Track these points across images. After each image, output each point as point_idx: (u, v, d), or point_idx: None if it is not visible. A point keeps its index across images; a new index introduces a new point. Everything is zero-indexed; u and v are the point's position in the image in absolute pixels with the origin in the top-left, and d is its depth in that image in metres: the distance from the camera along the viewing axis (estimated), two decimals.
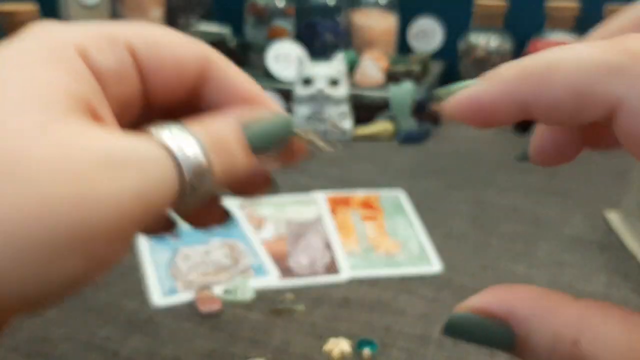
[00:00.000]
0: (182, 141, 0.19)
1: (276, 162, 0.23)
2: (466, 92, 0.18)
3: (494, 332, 0.19)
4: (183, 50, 0.21)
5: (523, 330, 0.18)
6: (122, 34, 0.20)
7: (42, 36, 0.19)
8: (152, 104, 0.22)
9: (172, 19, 0.93)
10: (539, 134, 0.22)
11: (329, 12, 0.89)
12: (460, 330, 0.19)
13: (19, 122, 0.16)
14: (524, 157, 0.24)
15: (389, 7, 0.91)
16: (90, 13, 0.78)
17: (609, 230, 0.50)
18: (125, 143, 0.17)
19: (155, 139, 0.18)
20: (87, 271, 0.16)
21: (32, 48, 0.18)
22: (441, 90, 0.19)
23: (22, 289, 0.16)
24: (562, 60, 0.16)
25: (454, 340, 0.36)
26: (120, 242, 0.17)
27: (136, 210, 0.17)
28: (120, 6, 0.88)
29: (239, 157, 0.20)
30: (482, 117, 0.18)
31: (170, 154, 0.18)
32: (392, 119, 0.75)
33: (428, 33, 0.97)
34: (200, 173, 0.19)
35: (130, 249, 0.16)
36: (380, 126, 0.74)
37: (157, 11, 0.89)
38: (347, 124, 0.73)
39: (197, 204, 0.19)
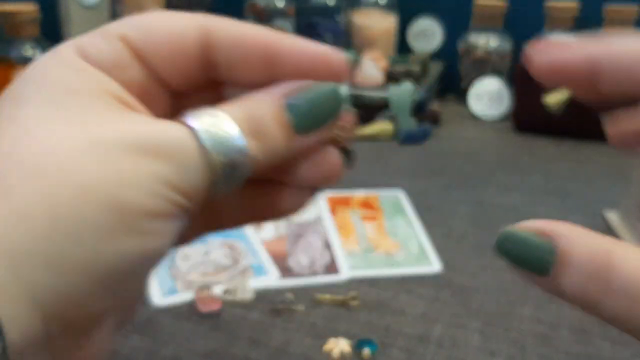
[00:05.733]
0: (216, 126, 0.18)
1: (327, 141, 0.22)
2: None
3: (537, 244, 0.20)
4: (174, 23, 0.21)
5: (566, 243, 0.20)
6: (113, 27, 0.20)
7: (50, 54, 0.20)
8: (176, 91, 0.21)
9: None
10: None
11: (329, 12, 0.89)
12: (508, 242, 0.20)
13: (46, 120, 0.17)
14: None
15: (388, 7, 0.91)
16: (90, 13, 0.78)
17: (609, 230, 0.50)
18: (153, 129, 0.18)
19: (186, 126, 0.18)
20: (142, 251, 0.17)
21: (46, 64, 0.19)
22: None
23: (92, 276, 0.16)
24: None
25: (453, 340, 0.36)
26: (162, 222, 0.18)
27: (168, 193, 0.17)
28: (120, 6, 0.88)
29: (279, 139, 0.20)
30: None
31: (199, 141, 0.18)
32: (392, 119, 0.74)
33: (428, 33, 0.97)
34: (235, 159, 0.19)
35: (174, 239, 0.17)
36: (380, 126, 0.73)
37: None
38: None
39: (233, 188, 0.19)
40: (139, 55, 0.20)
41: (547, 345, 0.36)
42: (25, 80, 0.19)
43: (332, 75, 0.21)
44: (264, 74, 0.21)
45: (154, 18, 0.21)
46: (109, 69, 0.20)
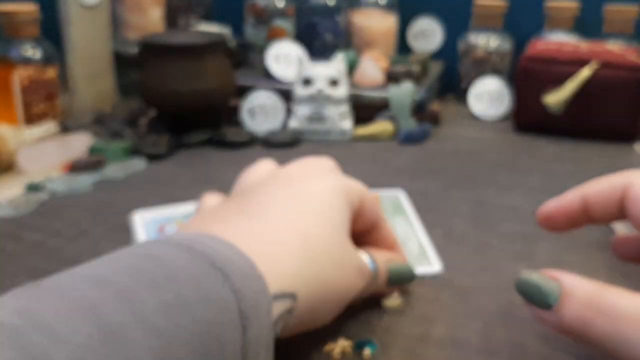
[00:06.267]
0: (372, 267, 0.36)
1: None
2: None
3: (547, 282, 0.30)
4: (374, 207, 0.37)
5: (569, 282, 0.29)
6: (360, 191, 0.36)
7: (336, 185, 0.34)
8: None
9: (172, 19, 0.93)
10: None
11: (329, 12, 0.89)
12: (524, 283, 0.31)
13: (330, 238, 0.32)
14: None
15: (388, 7, 0.91)
16: (90, 13, 0.78)
17: (609, 230, 0.50)
18: (362, 261, 0.34)
19: (367, 260, 0.35)
20: (342, 306, 0.34)
21: (329, 186, 0.34)
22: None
23: (324, 321, 0.33)
24: None
25: (454, 341, 0.36)
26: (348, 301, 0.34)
27: (357, 292, 0.34)
28: (120, 6, 0.87)
29: (381, 282, 0.37)
30: None
31: (373, 270, 0.35)
32: (392, 119, 0.75)
33: (428, 33, 0.97)
34: (373, 282, 0.36)
35: None
36: (380, 126, 0.74)
37: (157, 11, 0.89)
38: (347, 124, 0.73)
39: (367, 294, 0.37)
40: (359, 212, 0.36)
41: (547, 346, 0.36)
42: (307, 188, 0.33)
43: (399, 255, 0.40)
44: (369, 230, 0.38)
45: (370, 196, 0.37)
46: (355, 211, 0.35)
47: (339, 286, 0.31)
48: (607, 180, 0.35)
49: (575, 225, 0.36)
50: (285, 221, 0.30)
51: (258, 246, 0.27)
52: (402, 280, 0.38)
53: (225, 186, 0.46)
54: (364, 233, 0.37)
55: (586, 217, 0.36)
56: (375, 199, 0.37)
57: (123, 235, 0.49)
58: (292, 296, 0.27)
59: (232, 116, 0.76)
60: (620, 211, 0.34)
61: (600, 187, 0.35)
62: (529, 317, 0.38)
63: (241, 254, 0.25)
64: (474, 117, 0.83)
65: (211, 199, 0.38)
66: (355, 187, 0.36)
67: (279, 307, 0.26)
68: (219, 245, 0.25)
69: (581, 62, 0.71)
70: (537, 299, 0.30)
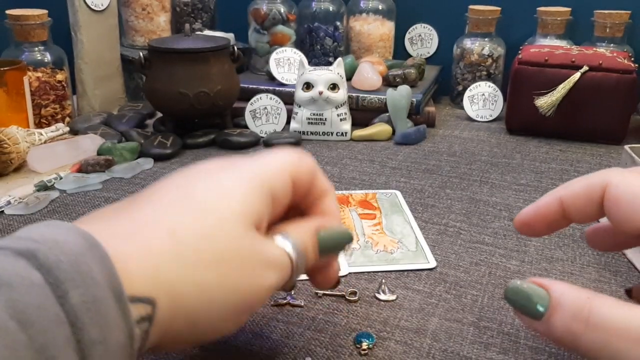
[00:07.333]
0: (293, 249, 0.30)
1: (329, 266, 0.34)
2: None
3: (537, 292, 0.29)
4: (305, 169, 0.32)
5: (558, 292, 0.28)
6: (290, 168, 0.31)
7: (247, 167, 0.30)
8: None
9: (178, 24, 0.94)
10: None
11: (330, 18, 0.91)
12: (514, 292, 0.29)
13: (226, 230, 0.27)
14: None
15: (386, 13, 0.93)
16: (98, 18, 0.79)
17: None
18: (273, 252, 0.29)
19: (285, 248, 0.30)
20: (242, 324, 0.30)
21: (239, 176, 0.29)
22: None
23: (223, 330, 0.28)
24: None
25: (449, 334, 0.37)
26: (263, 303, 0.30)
27: (272, 292, 0.29)
28: (128, 12, 0.89)
29: (312, 258, 0.32)
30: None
31: (293, 261, 0.30)
32: (389, 121, 0.76)
33: (424, 38, 0.99)
34: (297, 268, 0.30)
35: None
36: (378, 128, 0.75)
37: (163, 17, 0.91)
38: (346, 125, 0.75)
39: (292, 285, 0.34)
40: (293, 187, 0.31)
41: (539, 339, 0.37)
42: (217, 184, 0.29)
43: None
44: (312, 205, 0.34)
45: (305, 158, 0.33)
46: (279, 199, 0.30)
47: (233, 289, 0.27)
48: (584, 180, 0.32)
49: (556, 228, 0.34)
50: (153, 218, 0.26)
51: (112, 246, 0.24)
52: (336, 245, 0.33)
53: None
54: (309, 205, 0.34)
55: (565, 220, 0.34)
56: (313, 170, 0.33)
57: None
58: (147, 301, 0.24)
59: (235, 118, 0.77)
60: (600, 211, 0.32)
61: (577, 189, 0.32)
62: None
63: (63, 228, 0.24)
64: (468, 119, 0.84)
65: None
66: (277, 169, 0.31)
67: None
68: (37, 229, 0.24)
69: (572, 66, 0.73)
70: (527, 309, 0.29)
